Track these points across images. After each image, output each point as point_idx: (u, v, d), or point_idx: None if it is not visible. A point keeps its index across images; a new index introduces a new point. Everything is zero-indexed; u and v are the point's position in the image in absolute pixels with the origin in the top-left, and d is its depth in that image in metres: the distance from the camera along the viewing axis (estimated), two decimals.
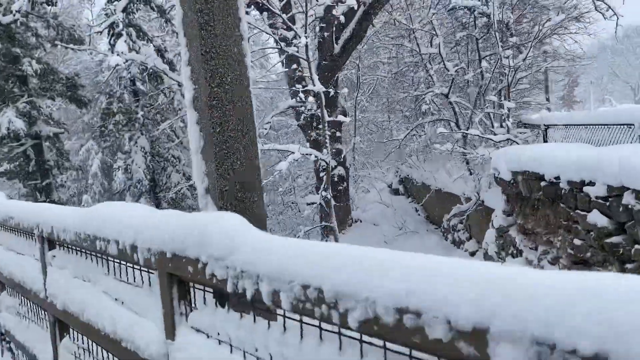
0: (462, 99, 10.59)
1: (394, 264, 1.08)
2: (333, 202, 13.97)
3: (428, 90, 11.49)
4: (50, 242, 3.18)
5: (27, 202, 5.16)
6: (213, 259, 1.58)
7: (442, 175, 13.98)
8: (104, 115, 19.32)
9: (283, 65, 16.92)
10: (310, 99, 17.43)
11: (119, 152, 35.35)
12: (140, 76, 19.23)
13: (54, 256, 3.15)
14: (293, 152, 9.78)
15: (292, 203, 19.99)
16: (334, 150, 17.06)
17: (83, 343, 2.91)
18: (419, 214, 17.99)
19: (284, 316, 1.37)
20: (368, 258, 1.16)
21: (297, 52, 10.32)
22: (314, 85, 9.54)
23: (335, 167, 16.83)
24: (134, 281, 2.28)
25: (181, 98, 19.98)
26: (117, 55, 15.04)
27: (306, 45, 9.37)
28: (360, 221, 17.25)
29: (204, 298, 1.80)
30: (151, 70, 19.37)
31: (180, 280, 1.86)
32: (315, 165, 16.56)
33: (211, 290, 1.75)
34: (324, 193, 9.62)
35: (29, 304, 3.82)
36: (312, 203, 11.05)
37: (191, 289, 1.89)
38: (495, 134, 9.34)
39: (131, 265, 2.23)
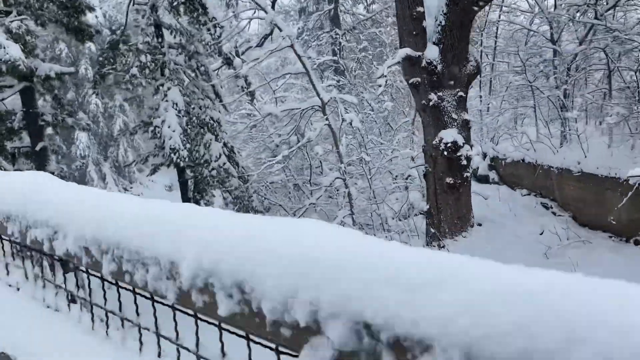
0: None
1: None
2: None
3: None
4: None
5: None
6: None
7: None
8: (109, 54, 13.41)
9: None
10: (433, 47, 12.60)
11: (81, 110, 28.69)
12: (166, 4, 13.54)
13: None
14: None
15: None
16: (457, 122, 12.49)
17: None
18: (553, 212, 13.72)
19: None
20: None
21: None
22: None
23: (463, 145, 12.27)
24: None
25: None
26: None
27: None
28: (480, 224, 12.59)
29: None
30: None
31: None
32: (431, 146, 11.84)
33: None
34: None
35: None
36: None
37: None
38: None
39: None
